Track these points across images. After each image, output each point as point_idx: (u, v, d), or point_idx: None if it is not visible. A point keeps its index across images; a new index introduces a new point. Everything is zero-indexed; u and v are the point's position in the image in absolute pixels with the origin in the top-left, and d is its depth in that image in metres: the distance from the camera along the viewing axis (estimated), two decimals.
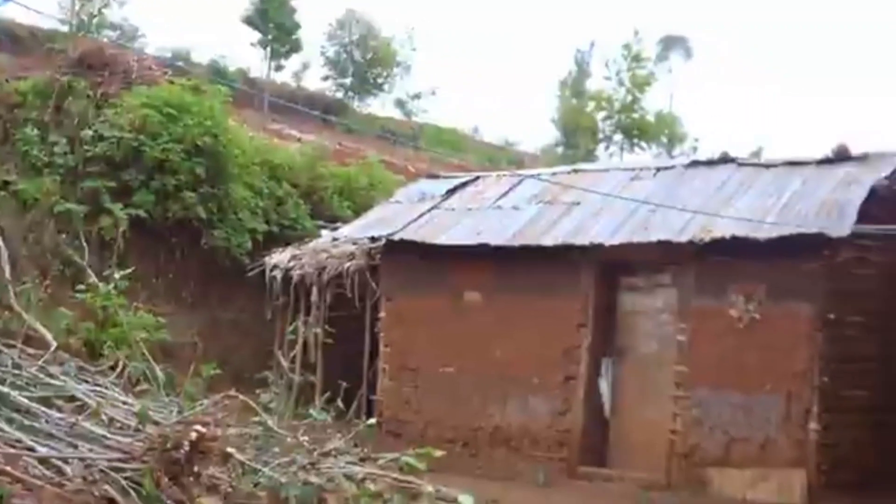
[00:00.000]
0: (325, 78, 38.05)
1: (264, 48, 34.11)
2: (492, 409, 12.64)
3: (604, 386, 11.92)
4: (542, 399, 12.26)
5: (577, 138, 32.64)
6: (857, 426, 11.29)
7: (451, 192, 14.75)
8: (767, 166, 12.56)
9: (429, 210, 14.21)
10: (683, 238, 11.19)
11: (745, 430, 10.86)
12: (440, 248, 12.92)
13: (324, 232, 16.07)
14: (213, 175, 15.53)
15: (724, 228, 10.96)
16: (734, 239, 10.74)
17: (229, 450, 6.17)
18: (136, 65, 17.08)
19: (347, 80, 37.67)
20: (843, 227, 10.30)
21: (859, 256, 11.40)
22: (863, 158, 11.62)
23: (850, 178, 11.25)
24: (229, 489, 6.05)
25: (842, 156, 11.83)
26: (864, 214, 10.56)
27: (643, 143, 28.77)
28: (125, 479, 5.52)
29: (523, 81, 64.26)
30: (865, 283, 11.55)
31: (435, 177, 16.77)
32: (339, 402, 10.76)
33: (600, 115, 29.20)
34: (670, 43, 42.67)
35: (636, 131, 28.28)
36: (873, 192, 10.78)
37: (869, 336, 11.60)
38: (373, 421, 11.02)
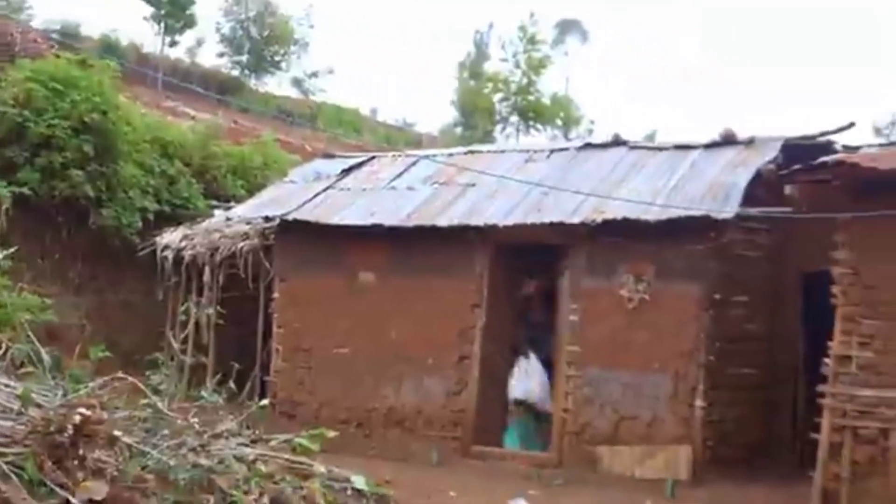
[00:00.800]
0: (221, 55, 37.36)
1: (157, 23, 33.29)
2: (386, 389, 12.65)
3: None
4: (436, 379, 12.32)
5: (475, 120, 32.74)
6: (741, 403, 11.64)
7: (345, 172, 14.68)
8: (658, 149, 12.80)
9: (323, 190, 14.12)
10: (576, 219, 11.34)
11: (634, 409, 11.08)
12: (334, 229, 12.85)
13: (217, 211, 15.83)
14: (101, 152, 15.13)
15: (615, 210, 11.12)
16: (625, 220, 10.91)
17: (116, 433, 6.03)
18: (19, 37, 16.51)
19: (243, 58, 37.05)
20: (729, 209, 10.55)
21: (745, 238, 11.72)
22: (749, 143, 11.92)
23: (736, 161, 11.54)
24: (115, 473, 5.92)
25: (729, 140, 12.13)
26: (750, 197, 10.84)
27: (539, 126, 29.02)
28: (7, 463, 5.35)
29: (422, 62, 64.29)
30: (751, 264, 11.88)
31: (330, 157, 16.65)
32: (232, 384, 10.64)
33: (497, 96, 29.34)
34: (566, 27, 43.11)
35: (532, 113, 28.49)
36: (758, 176, 11.07)
37: (754, 316, 11.95)
38: (265, 402, 10.90)
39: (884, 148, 10.81)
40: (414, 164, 14.45)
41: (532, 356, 11.90)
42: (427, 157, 14.87)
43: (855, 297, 9.21)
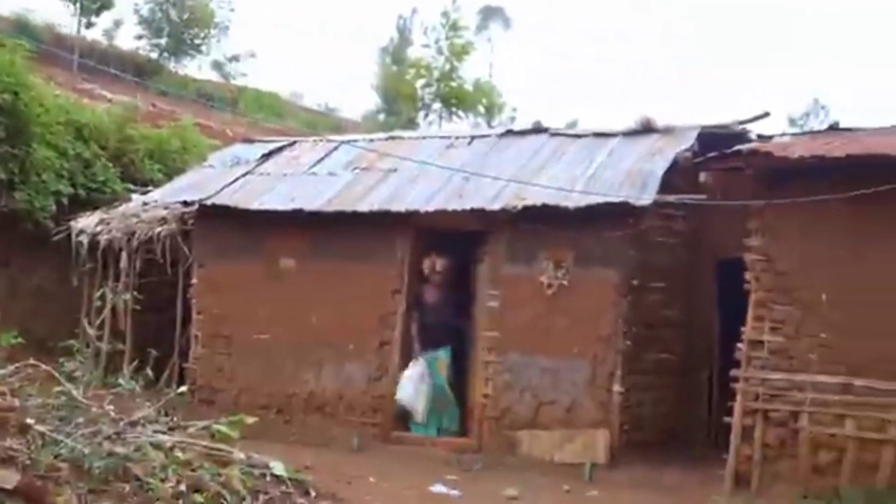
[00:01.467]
0: (139, 37, 36.65)
1: (74, 4, 32.51)
2: (307, 375, 12.59)
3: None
4: (357, 365, 12.30)
5: (398, 106, 32.66)
6: (658, 388, 11.85)
7: (266, 156, 14.55)
8: (577, 137, 12.91)
9: (243, 175, 13.96)
10: (496, 206, 11.39)
11: (554, 394, 11.19)
12: (254, 214, 12.72)
13: (134, 196, 15.56)
14: (13, 134, 14.71)
15: (535, 197, 11.19)
16: (545, 207, 10.98)
17: (28, 421, 5.94)
18: None
19: (162, 41, 36.42)
20: (646, 196, 10.69)
21: (662, 225, 11.91)
22: (666, 131, 12.09)
23: (653, 149, 11.69)
24: (27, 461, 5.82)
25: (646, 128, 12.30)
26: (667, 184, 11.00)
27: (462, 112, 29.04)
28: None
29: (345, 47, 63.85)
30: (668, 250, 12.08)
31: (250, 141, 16.46)
32: (149, 371, 10.53)
33: (420, 82, 29.30)
34: (489, 13, 43.30)
35: (454, 100, 28.49)
36: (675, 164, 11.23)
37: (671, 302, 12.16)
38: (183, 389, 10.81)
39: (795, 137, 11.05)
40: (335, 149, 14.38)
41: (421, 361, 11.77)
42: (348, 142, 14.81)
43: (767, 283, 9.43)
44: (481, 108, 30.54)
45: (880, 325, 8.93)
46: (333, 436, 12.08)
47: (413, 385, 11.64)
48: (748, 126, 12.03)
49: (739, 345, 9.53)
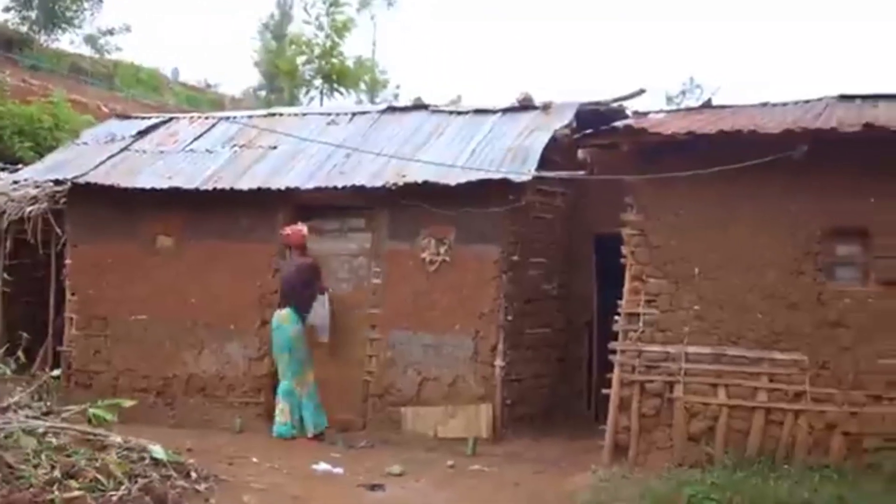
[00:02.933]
0: (7, 9, 35.21)
1: None
2: (187, 356, 12.38)
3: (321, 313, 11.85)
4: (237, 345, 12.15)
5: (279, 82, 32.20)
6: (539, 361, 12.04)
7: (141, 133, 14.17)
8: (458, 113, 12.93)
9: (118, 152, 13.57)
10: (378, 183, 11.35)
11: (436, 370, 11.25)
12: (130, 193, 12.39)
13: (2, 174, 15.02)
14: None
15: (416, 174, 11.19)
16: (426, 184, 11.00)
17: None
18: None
19: (32, 13, 35.08)
20: (526, 172, 10.79)
21: (542, 201, 12.06)
22: (545, 108, 12.18)
23: (533, 126, 11.78)
24: None
25: (526, 105, 12.39)
26: (547, 161, 11.12)
27: (344, 89, 28.78)
28: None
29: (225, 22, 62.57)
30: (548, 226, 12.25)
31: (125, 117, 16.01)
32: (21, 355, 10.23)
33: (301, 59, 28.91)
34: None
35: (336, 77, 28.19)
36: (554, 140, 11.35)
37: (551, 276, 12.35)
38: (57, 372, 10.55)
39: (670, 114, 11.27)
40: (214, 126, 14.11)
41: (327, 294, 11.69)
42: (227, 118, 14.56)
43: (642, 257, 9.61)
44: (363, 86, 30.37)
45: (749, 297, 9.21)
46: (215, 417, 11.96)
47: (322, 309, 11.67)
48: (625, 103, 12.25)
49: (617, 318, 9.71)
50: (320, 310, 11.62)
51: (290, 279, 11.40)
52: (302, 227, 11.43)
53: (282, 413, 11.18)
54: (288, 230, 11.48)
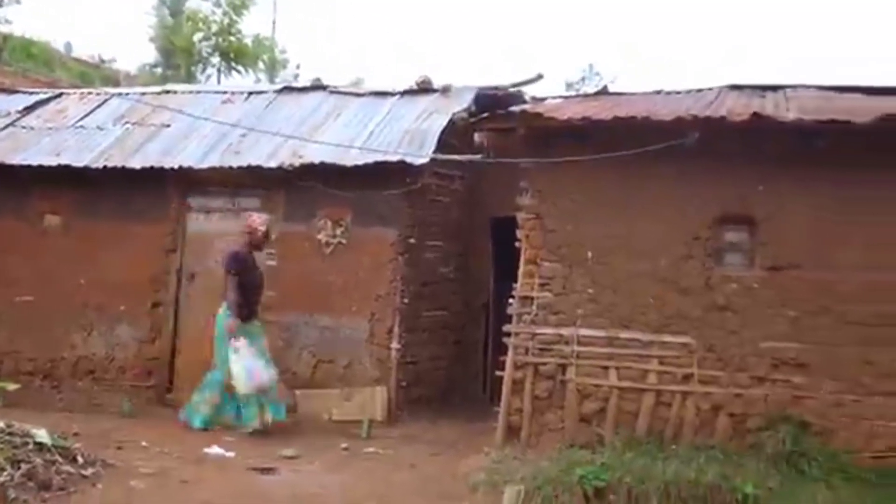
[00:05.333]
0: None
1: None
2: (75, 339, 12.08)
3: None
4: (128, 327, 11.90)
5: (175, 59, 31.54)
6: (436, 344, 12.09)
7: (29, 109, 13.74)
8: (357, 95, 12.85)
9: (3, 128, 13.13)
10: (273, 163, 11.21)
11: (332, 352, 11.20)
12: (16, 170, 12.01)
13: None
14: None
15: (313, 155, 11.09)
16: (322, 165, 10.91)
17: None
18: None
19: None
20: (423, 155, 10.78)
21: (439, 184, 12.07)
22: (444, 91, 12.19)
23: (431, 109, 11.78)
24: None
25: (424, 88, 12.38)
26: (445, 144, 11.12)
27: (241, 68, 28.34)
28: None
29: None
30: (445, 209, 12.28)
31: (12, 92, 15.45)
32: None
33: (198, 36, 28.35)
34: None
35: (233, 55, 27.74)
36: (452, 124, 11.36)
37: (448, 259, 12.40)
38: None
39: (567, 100, 11.38)
40: (105, 102, 13.76)
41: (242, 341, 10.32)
42: (119, 95, 14.21)
43: (537, 240, 9.69)
44: (262, 65, 29.94)
45: (641, 281, 9.37)
46: (104, 401, 11.68)
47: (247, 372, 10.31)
48: (523, 88, 12.32)
49: (512, 301, 9.78)
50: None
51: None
52: (258, 217, 10.73)
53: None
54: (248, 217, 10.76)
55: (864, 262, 8.87)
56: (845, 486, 8.16)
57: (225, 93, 13.72)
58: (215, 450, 9.55)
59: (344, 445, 10.00)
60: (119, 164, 11.76)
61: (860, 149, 8.69)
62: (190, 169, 11.56)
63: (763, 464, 8.44)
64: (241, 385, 10.21)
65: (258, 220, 10.62)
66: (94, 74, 32.50)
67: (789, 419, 8.83)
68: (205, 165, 11.53)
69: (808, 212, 9.06)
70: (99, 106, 13.61)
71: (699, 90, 10.84)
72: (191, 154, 11.80)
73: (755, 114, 8.78)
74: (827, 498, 7.90)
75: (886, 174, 8.83)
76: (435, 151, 10.84)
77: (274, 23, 34.11)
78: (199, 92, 14.17)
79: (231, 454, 9.46)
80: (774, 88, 10.54)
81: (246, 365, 10.24)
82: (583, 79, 35.80)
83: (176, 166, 11.58)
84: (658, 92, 11.07)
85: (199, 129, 12.17)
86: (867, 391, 8.78)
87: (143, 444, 9.57)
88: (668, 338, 9.29)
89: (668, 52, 45.29)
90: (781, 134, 8.84)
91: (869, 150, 8.67)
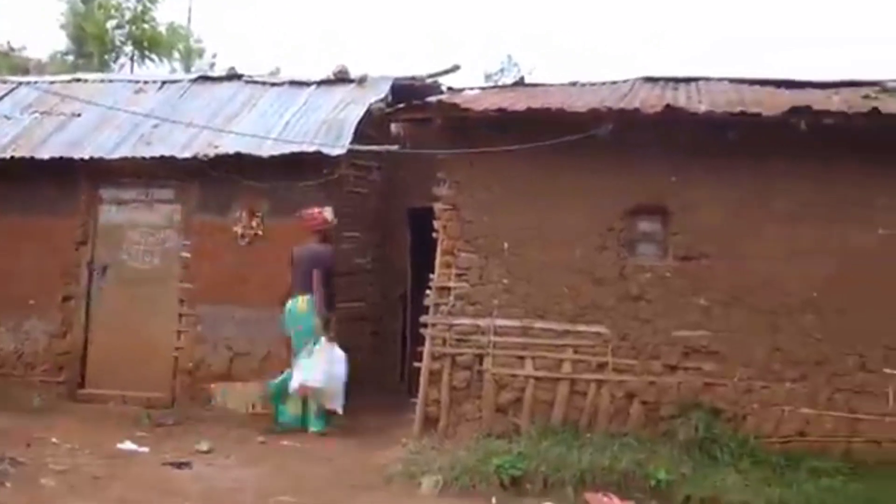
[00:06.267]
0: None
1: None
2: None
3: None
4: (38, 321, 11.62)
5: (88, 47, 30.86)
6: (355, 335, 11.98)
7: None
8: (273, 85, 12.72)
9: None
10: (187, 154, 11.04)
11: (248, 345, 11.08)
12: None
13: None
14: None
15: (228, 145, 10.96)
16: (238, 156, 10.79)
17: None
18: None
19: None
20: (340, 146, 10.72)
21: (357, 175, 12.02)
22: (361, 81, 12.13)
23: (348, 99, 11.71)
24: None
25: (341, 78, 12.31)
26: (362, 135, 11.07)
27: (155, 57, 27.83)
28: None
29: None
30: (362, 200, 12.23)
31: None
32: None
33: (111, 23, 27.77)
34: None
35: (147, 43, 27.23)
36: (369, 114, 11.30)
37: (365, 250, 12.35)
38: None
39: (484, 91, 11.40)
40: (12, 91, 13.40)
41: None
42: (28, 83, 13.84)
43: (454, 231, 9.72)
44: (178, 54, 29.44)
45: (556, 271, 9.45)
46: (12, 396, 11.35)
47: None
48: (441, 79, 12.32)
49: (429, 292, 9.79)
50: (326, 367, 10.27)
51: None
52: (323, 210, 10.54)
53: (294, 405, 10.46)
54: (310, 212, 10.55)
55: (773, 252, 9.08)
56: (754, 470, 8.36)
57: (138, 82, 13.46)
58: (128, 445, 9.41)
59: (260, 439, 9.92)
60: (27, 155, 11.46)
61: (770, 140, 8.88)
62: (101, 160, 11.32)
63: (676, 450, 8.60)
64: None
65: (328, 213, 10.48)
66: (3, 63, 31.69)
67: (701, 406, 9.01)
68: (116, 156, 11.31)
69: (719, 202, 9.23)
70: (6, 94, 13.25)
71: (614, 82, 10.97)
72: (102, 145, 11.57)
73: (668, 106, 8.91)
74: (736, 482, 8.08)
75: (795, 165, 9.04)
76: (352, 142, 10.77)
77: (190, 11, 33.70)
78: (111, 81, 13.87)
79: (144, 449, 9.33)
80: (688, 81, 10.71)
81: (312, 365, 10.14)
82: (502, 70, 35.89)
83: (86, 157, 11.33)
84: (574, 83, 11.16)
85: (111, 119, 11.93)
86: (776, 377, 9.00)
87: (54, 440, 9.40)
88: (582, 327, 9.39)
89: (586, 42, 45.59)
90: (694, 125, 8.99)
91: (778, 141, 8.86)
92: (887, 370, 8.81)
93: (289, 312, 10.41)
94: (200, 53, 32.40)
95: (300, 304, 10.33)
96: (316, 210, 10.52)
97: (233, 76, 13.09)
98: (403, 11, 50.35)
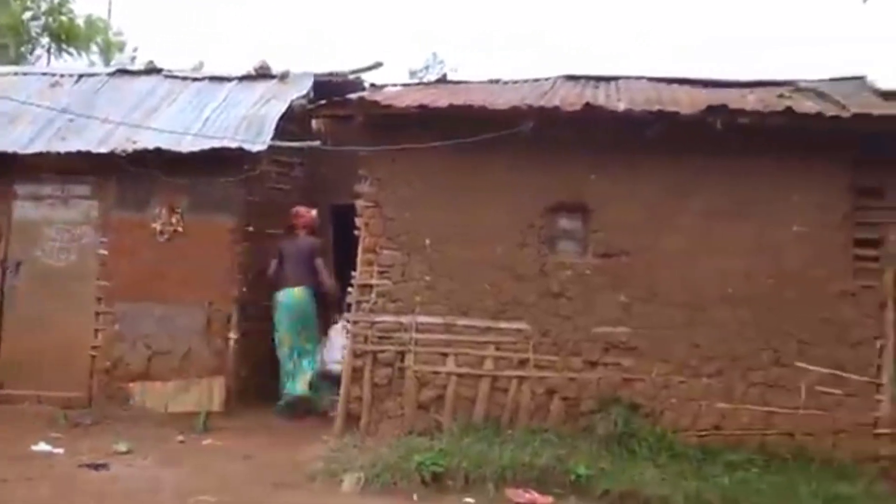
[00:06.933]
0: None
1: None
2: None
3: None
4: None
5: (2, 38, 30.12)
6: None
7: None
8: (193, 80, 12.55)
9: None
10: (104, 149, 10.85)
11: (168, 343, 10.94)
12: None
13: None
14: None
15: (147, 140, 10.78)
16: (157, 151, 10.63)
17: None
18: None
19: None
20: (261, 142, 10.62)
21: (278, 171, 11.92)
22: (282, 77, 12.03)
23: (269, 94, 11.61)
24: None
25: (263, 73, 12.19)
26: (283, 131, 10.99)
27: (73, 49, 27.24)
28: None
29: None
30: (284, 196, 12.12)
31: None
32: None
33: (27, 14, 27.13)
34: None
35: (64, 35, 26.64)
36: (291, 110, 11.22)
37: None
38: None
39: (406, 87, 11.40)
40: None
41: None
42: None
43: (376, 228, 9.70)
44: (96, 47, 28.86)
45: (478, 268, 9.49)
46: None
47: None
48: (363, 75, 12.27)
49: (350, 289, 9.76)
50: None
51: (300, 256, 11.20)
52: (311, 210, 11.43)
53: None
54: (301, 210, 11.39)
55: (690, 248, 9.22)
56: (672, 464, 8.49)
57: (54, 75, 13.17)
58: (42, 446, 9.22)
59: (180, 438, 9.80)
60: None
61: (687, 138, 9.02)
62: (15, 155, 11.07)
63: (595, 445, 8.71)
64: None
65: (314, 212, 11.50)
66: None
67: (620, 401, 9.13)
68: (30, 151, 11.07)
69: (638, 200, 9.35)
70: None
71: (536, 80, 11.04)
72: (16, 139, 11.31)
73: (587, 104, 9.00)
74: (654, 476, 8.19)
75: (711, 162, 9.20)
76: (273, 138, 10.70)
77: (110, 3, 33.00)
78: (25, 74, 13.54)
79: (60, 451, 9.14)
80: (608, 79, 10.83)
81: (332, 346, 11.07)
82: (426, 67, 35.92)
83: None
84: (496, 81, 11.22)
85: (26, 113, 11.65)
86: (693, 373, 9.15)
87: None
88: (504, 324, 9.44)
89: (577, 41, 45.68)
90: (613, 123, 9.10)
91: (695, 139, 9.00)
92: (800, 364, 9.01)
93: (281, 304, 11.00)
94: (120, 47, 31.82)
95: (296, 293, 10.98)
96: (304, 209, 11.34)
97: (151, 70, 12.88)
98: (329, 8, 50.14)
